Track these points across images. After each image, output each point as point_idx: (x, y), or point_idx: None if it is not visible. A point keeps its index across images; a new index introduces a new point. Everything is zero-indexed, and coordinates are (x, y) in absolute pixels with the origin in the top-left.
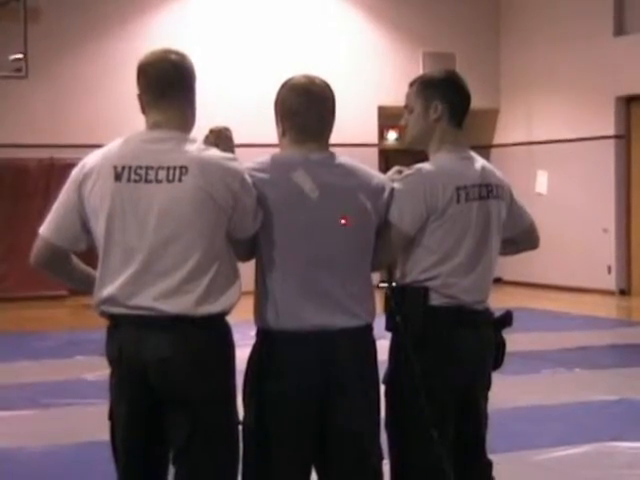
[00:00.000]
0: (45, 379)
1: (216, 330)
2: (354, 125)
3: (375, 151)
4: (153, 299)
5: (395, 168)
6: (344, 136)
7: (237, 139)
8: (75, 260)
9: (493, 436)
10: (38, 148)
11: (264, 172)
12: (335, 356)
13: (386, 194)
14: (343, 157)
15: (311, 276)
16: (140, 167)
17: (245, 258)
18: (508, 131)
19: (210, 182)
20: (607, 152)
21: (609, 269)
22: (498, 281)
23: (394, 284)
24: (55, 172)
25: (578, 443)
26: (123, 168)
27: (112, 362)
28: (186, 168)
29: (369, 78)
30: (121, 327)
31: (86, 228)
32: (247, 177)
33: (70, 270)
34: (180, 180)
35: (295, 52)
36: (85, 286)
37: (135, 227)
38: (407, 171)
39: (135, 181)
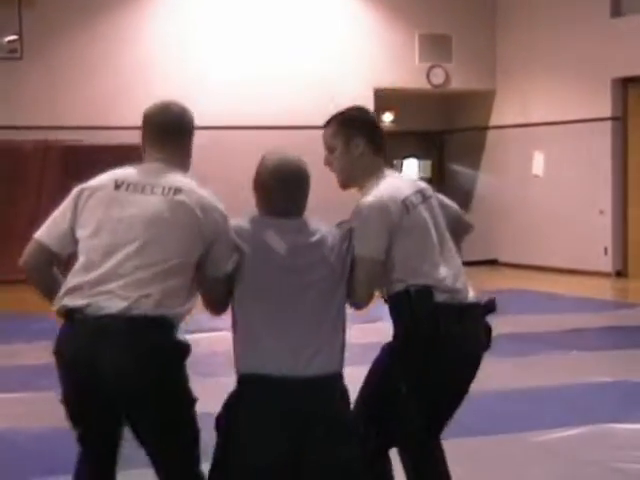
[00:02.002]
0: (42, 361)
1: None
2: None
3: None
4: (119, 288)
5: (337, 223)
6: None
7: (231, 121)
8: (56, 270)
9: (490, 418)
10: (33, 130)
11: (241, 226)
12: (303, 405)
13: (346, 243)
14: (312, 220)
15: (282, 327)
16: (139, 183)
17: (219, 304)
18: (504, 113)
19: (200, 210)
20: (604, 134)
21: (605, 251)
22: (494, 263)
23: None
24: (50, 154)
25: (575, 424)
26: (123, 182)
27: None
28: (180, 190)
29: (365, 60)
30: (77, 322)
31: (74, 236)
32: (229, 222)
33: (54, 275)
34: (174, 195)
35: (290, 35)
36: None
37: (122, 226)
38: (354, 209)
39: (132, 191)
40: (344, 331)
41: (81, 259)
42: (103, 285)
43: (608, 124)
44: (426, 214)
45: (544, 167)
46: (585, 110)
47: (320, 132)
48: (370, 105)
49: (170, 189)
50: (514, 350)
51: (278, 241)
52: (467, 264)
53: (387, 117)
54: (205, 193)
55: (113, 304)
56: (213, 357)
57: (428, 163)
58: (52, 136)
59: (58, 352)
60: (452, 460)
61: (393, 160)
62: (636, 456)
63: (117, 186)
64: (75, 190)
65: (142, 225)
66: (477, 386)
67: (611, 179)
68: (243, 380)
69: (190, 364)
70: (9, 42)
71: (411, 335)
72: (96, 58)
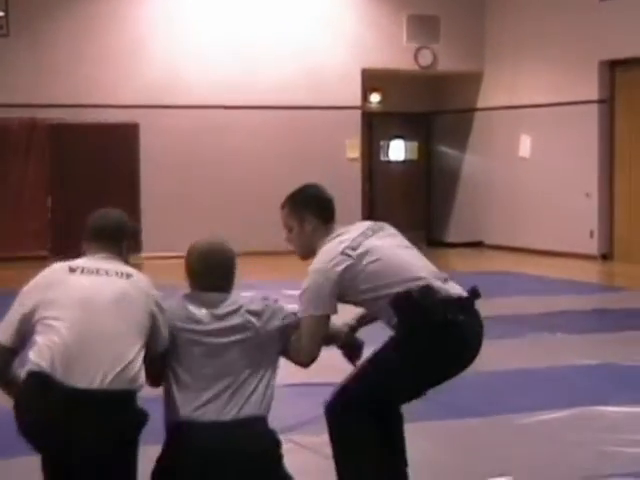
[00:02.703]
0: None
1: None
2: (338, 88)
3: (358, 113)
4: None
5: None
6: (328, 99)
7: (218, 101)
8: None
9: (477, 400)
10: (20, 108)
11: (171, 303)
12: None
13: (268, 311)
14: (235, 294)
15: (212, 385)
16: (92, 267)
17: (158, 376)
18: (492, 95)
19: (148, 291)
20: (591, 116)
21: (591, 234)
22: (480, 245)
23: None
24: (37, 132)
25: (561, 407)
26: (77, 267)
27: None
28: (131, 275)
29: (353, 41)
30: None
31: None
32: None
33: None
34: (127, 278)
35: (278, 15)
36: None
37: (79, 305)
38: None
39: (88, 274)
40: (273, 380)
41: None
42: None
43: (595, 107)
44: (379, 241)
45: (531, 149)
46: (572, 93)
47: (307, 112)
48: (357, 85)
49: (123, 273)
50: (500, 332)
51: (200, 310)
52: (453, 246)
53: (374, 98)
54: (145, 278)
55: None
56: None
57: (415, 144)
58: (39, 114)
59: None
60: (438, 441)
61: (380, 141)
62: (622, 439)
63: (72, 270)
64: (25, 288)
65: (105, 307)
66: None
67: (598, 162)
68: (178, 426)
69: None
70: None
71: (419, 326)
72: (83, 35)
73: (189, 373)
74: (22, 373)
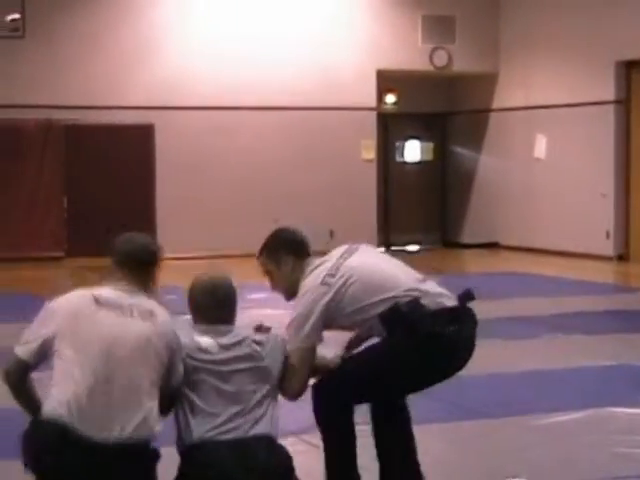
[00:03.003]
0: None
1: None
2: (353, 89)
3: (374, 114)
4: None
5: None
6: (343, 100)
7: (233, 102)
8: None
9: (491, 401)
10: (35, 109)
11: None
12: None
13: (271, 342)
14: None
15: (225, 410)
16: (117, 303)
17: (167, 411)
18: (507, 95)
19: (170, 332)
20: (606, 117)
21: (607, 234)
22: (495, 246)
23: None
24: (52, 133)
25: (577, 408)
26: (103, 300)
27: None
28: (154, 313)
29: (368, 42)
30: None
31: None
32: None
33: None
34: (150, 318)
35: (293, 16)
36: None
37: (101, 352)
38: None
39: (113, 309)
40: (275, 402)
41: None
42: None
43: (611, 107)
44: (356, 262)
45: (546, 150)
46: (588, 93)
47: (322, 112)
48: (373, 86)
49: (145, 311)
50: (515, 333)
51: (208, 341)
52: (468, 247)
53: (389, 98)
54: (167, 315)
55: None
56: None
57: (430, 145)
58: (54, 115)
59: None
60: (453, 443)
61: (395, 142)
62: (637, 440)
63: (96, 301)
64: (50, 306)
65: (124, 352)
66: (478, 369)
67: (614, 162)
68: (193, 447)
69: None
70: (11, 21)
71: (407, 337)
72: (98, 37)
73: (202, 399)
74: (41, 414)
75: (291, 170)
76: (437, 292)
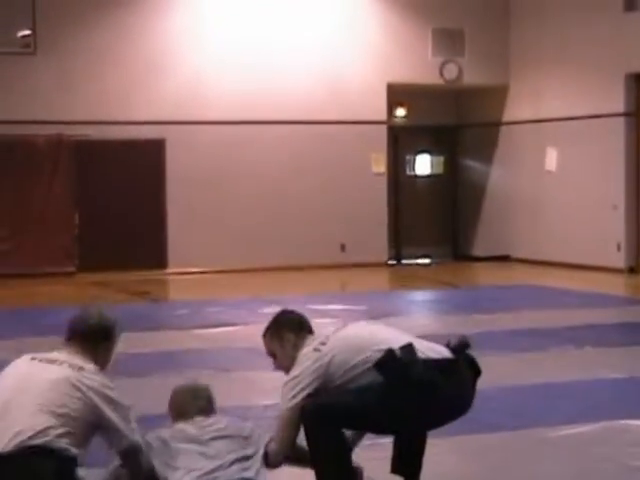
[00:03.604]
0: None
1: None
2: (363, 102)
3: (384, 128)
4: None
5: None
6: (353, 114)
7: (244, 116)
8: None
9: (503, 414)
10: (46, 124)
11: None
12: None
13: (255, 435)
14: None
15: (204, 464)
16: (52, 358)
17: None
18: (517, 108)
19: (94, 388)
20: (617, 129)
21: (618, 247)
22: (506, 259)
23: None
24: (63, 149)
25: (589, 421)
26: (38, 357)
27: None
28: (83, 368)
29: (378, 55)
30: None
31: None
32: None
33: None
34: (78, 371)
35: (304, 30)
36: None
37: (16, 377)
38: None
39: (44, 362)
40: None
41: None
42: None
43: (621, 120)
44: (349, 329)
45: (557, 163)
46: (598, 105)
47: (333, 126)
48: (383, 100)
49: (76, 366)
50: (527, 346)
51: (190, 426)
52: (480, 260)
53: (400, 112)
54: (98, 377)
55: None
56: (229, 352)
57: (441, 159)
58: (65, 131)
59: None
60: (466, 456)
61: (406, 155)
62: None
63: (33, 358)
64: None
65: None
66: (491, 382)
67: (624, 175)
68: None
69: (207, 359)
70: (23, 37)
71: (398, 380)
72: (109, 53)
73: (182, 460)
74: None
75: (302, 184)
76: (426, 347)
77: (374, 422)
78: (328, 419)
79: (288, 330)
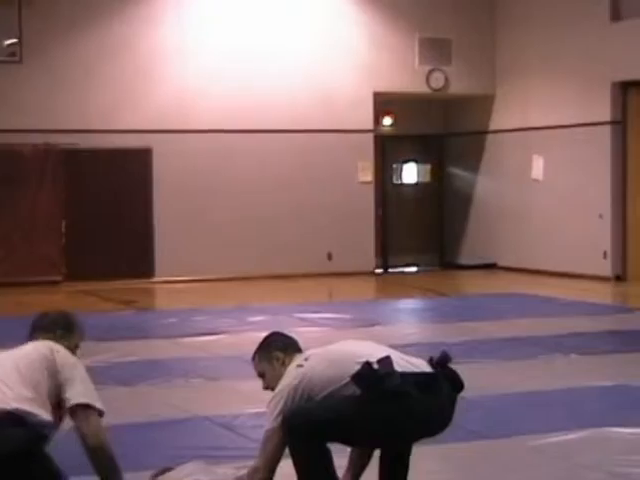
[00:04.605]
0: None
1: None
2: (350, 111)
3: (371, 137)
4: None
5: None
6: (340, 122)
7: (230, 125)
8: None
9: (489, 421)
10: (32, 133)
11: None
12: None
13: None
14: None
15: None
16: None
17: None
18: (504, 117)
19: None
20: (603, 138)
21: (605, 255)
22: (493, 267)
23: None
24: (50, 157)
25: (575, 428)
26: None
27: None
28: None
29: (364, 64)
30: None
31: None
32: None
33: None
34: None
35: (290, 38)
36: None
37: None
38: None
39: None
40: None
41: None
42: None
43: (607, 128)
44: (332, 346)
45: (543, 171)
46: (584, 114)
47: (320, 135)
48: (369, 108)
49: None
50: (513, 354)
51: None
52: (466, 268)
53: (386, 121)
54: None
55: None
56: (216, 360)
57: (427, 167)
58: (51, 139)
59: None
60: (451, 464)
61: (393, 164)
62: (636, 460)
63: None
64: None
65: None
66: (476, 390)
67: (610, 183)
68: None
69: (193, 367)
70: (9, 45)
71: (374, 391)
72: (96, 61)
73: None
74: None
75: (288, 193)
76: (406, 360)
77: (353, 434)
78: (309, 434)
79: (276, 349)
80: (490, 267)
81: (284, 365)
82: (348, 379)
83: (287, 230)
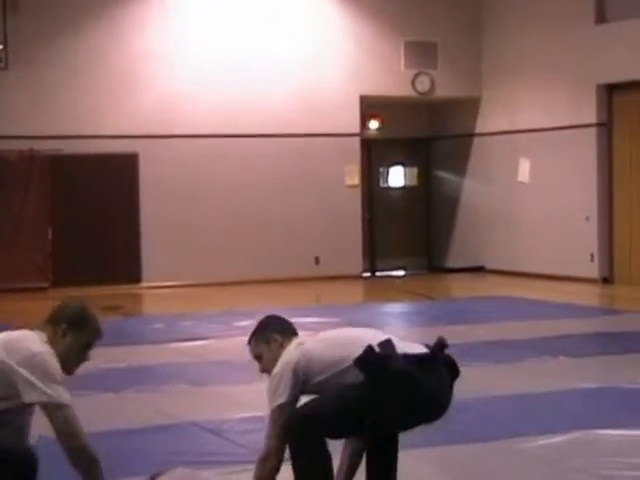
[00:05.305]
0: None
1: None
2: (336, 115)
3: (357, 140)
4: None
5: None
6: (326, 126)
7: (218, 130)
8: None
9: (478, 424)
10: (18, 139)
11: None
12: None
13: None
14: None
15: None
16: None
17: None
18: (490, 120)
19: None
20: (589, 140)
21: (592, 257)
22: (481, 270)
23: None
24: (36, 164)
25: (563, 430)
26: None
27: None
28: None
29: (351, 68)
30: None
31: None
32: None
33: None
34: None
35: (277, 43)
36: None
37: None
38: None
39: None
40: None
41: None
42: None
43: (593, 130)
44: (330, 331)
45: (530, 174)
46: (570, 116)
47: (306, 139)
48: (356, 112)
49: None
50: (501, 357)
51: None
52: (454, 271)
53: (373, 124)
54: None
55: None
56: (203, 365)
57: (414, 170)
58: (37, 146)
59: None
60: (439, 467)
61: (379, 167)
62: (623, 462)
63: None
64: None
65: None
66: (466, 393)
67: (597, 185)
68: None
69: (181, 373)
70: None
71: (378, 374)
72: (81, 67)
73: None
74: None
75: (276, 197)
76: (405, 345)
77: (357, 423)
78: (312, 430)
79: (274, 331)
80: (478, 270)
81: (282, 347)
82: (350, 363)
83: (274, 234)
